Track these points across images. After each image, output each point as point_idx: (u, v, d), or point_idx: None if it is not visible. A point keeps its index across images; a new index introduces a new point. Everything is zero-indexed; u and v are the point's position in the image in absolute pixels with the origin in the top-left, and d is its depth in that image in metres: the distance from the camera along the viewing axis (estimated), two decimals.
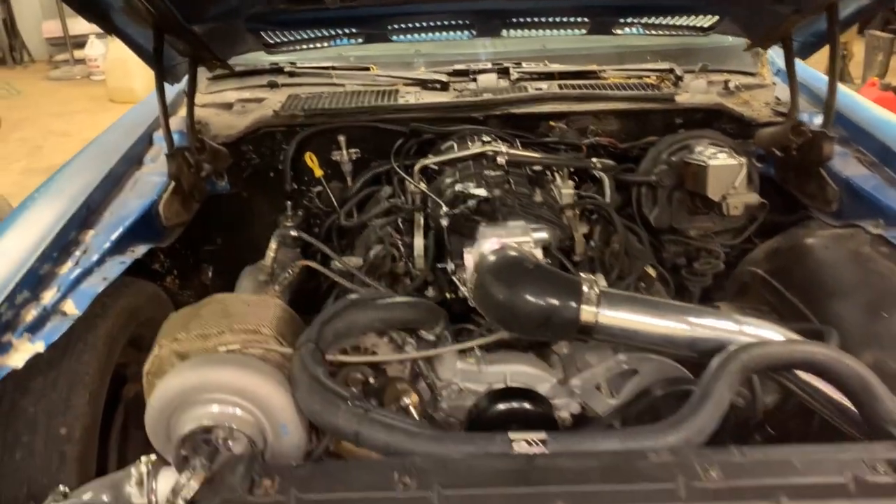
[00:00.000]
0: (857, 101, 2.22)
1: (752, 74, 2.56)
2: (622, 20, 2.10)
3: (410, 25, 2.12)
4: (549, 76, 2.46)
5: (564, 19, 2.08)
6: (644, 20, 2.13)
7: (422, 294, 1.75)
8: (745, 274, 2.03)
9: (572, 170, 2.02)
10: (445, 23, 2.11)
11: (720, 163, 1.89)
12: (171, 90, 2.35)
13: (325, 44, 2.22)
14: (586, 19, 2.07)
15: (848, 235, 1.80)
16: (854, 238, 1.77)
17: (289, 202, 2.29)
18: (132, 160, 2.07)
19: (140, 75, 8.23)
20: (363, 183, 2.20)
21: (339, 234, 2.14)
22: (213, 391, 1.24)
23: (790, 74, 2.08)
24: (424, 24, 2.11)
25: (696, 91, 2.37)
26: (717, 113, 2.25)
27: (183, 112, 2.40)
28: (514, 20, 2.11)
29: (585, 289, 1.34)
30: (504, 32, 2.17)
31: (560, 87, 2.36)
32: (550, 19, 2.08)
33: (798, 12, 1.88)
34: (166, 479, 1.26)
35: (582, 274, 1.40)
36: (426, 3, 1.98)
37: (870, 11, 1.92)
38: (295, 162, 2.27)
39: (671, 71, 2.46)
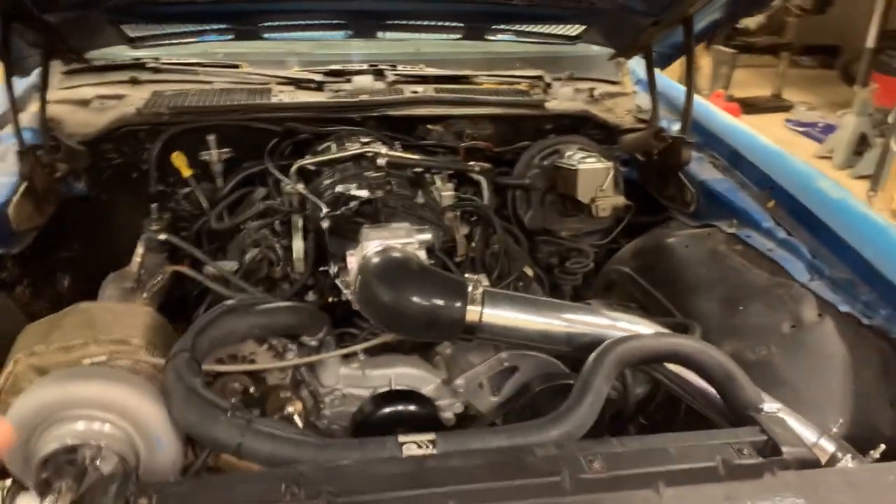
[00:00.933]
0: (710, 109, 2.38)
1: (614, 83, 2.69)
2: (494, 27, 2.14)
3: (284, 24, 2.06)
4: (423, 79, 2.47)
5: (439, 23, 2.10)
6: (515, 27, 2.19)
7: (302, 299, 1.71)
8: (612, 272, 2.13)
9: (450, 172, 2.04)
10: (320, 22, 2.08)
11: (588, 167, 1.97)
12: (21, 84, 2.17)
13: (193, 39, 2.12)
14: (461, 24, 2.10)
15: (705, 235, 1.93)
16: (711, 237, 1.90)
17: (154, 205, 2.16)
18: None
19: None
20: (235, 184, 2.12)
21: (209, 238, 2.05)
22: (78, 407, 1.15)
23: (651, 83, 2.20)
24: (299, 22, 2.06)
25: (563, 98, 2.46)
26: (583, 119, 2.35)
27: (34, 108, 2.22)
28: (390, 22, 2.11)
29: (470, 289, 1.36)
30: (380, 34, 2.16)
31: (436, 90, 2.38)
32: (425, 23, 2.10)
33: (656, 24, 1.99)
34: None
35: (466, 274, 1.41)
36: (301, 0, 1.93)
37: (723, 25, 2.06)
38: (160, 162, 2.15)
39: (541, 78, 2.54)
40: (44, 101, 1.93)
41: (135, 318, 1.37)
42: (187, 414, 1.16)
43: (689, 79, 1.99)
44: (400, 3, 2.02)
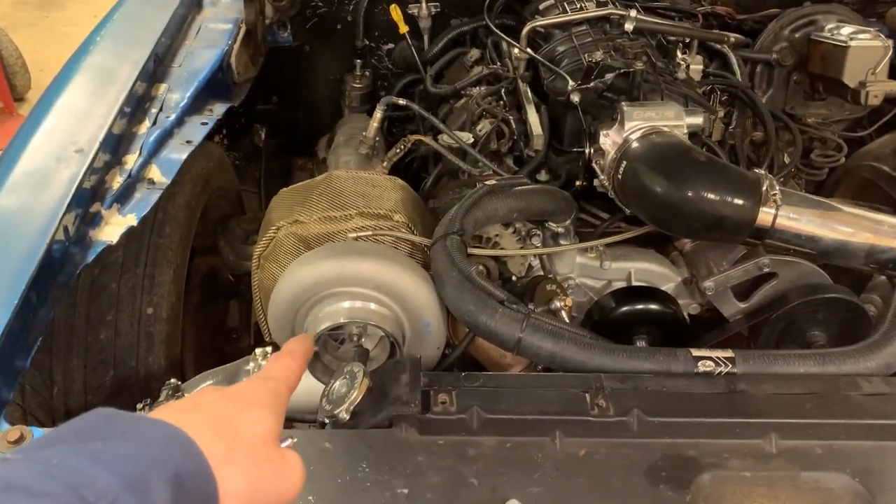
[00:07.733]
0: None
1: None
2: None
3: None
4: None
5: None
6: None
7: (534, 178, 1.57)
8: (863, 168, 1.87)
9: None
10: None
11: (862, 44, 1.68)
12: None
13: None
14: None
15: None
16: None
17: (359, 60, 2.05)
18: (191, 3, 1.80)
19: None
20: (446, 42, 1.96)
21: (421, 101, 1.92)
22: (353, 284, 1.09)
23: None
24: None
25: None
26: None
27: None
28: None
29: (764, 188, 1.18)
30: None
31: None
32: None
33: None
34: None
35: (756, 170, 1.23)
36: None
37: None
38: (366, 14, 2.01)
39: None
40: None
41: (394, 191, 1.28)
42: (462, 301, 1.08)
43: None
44: None
